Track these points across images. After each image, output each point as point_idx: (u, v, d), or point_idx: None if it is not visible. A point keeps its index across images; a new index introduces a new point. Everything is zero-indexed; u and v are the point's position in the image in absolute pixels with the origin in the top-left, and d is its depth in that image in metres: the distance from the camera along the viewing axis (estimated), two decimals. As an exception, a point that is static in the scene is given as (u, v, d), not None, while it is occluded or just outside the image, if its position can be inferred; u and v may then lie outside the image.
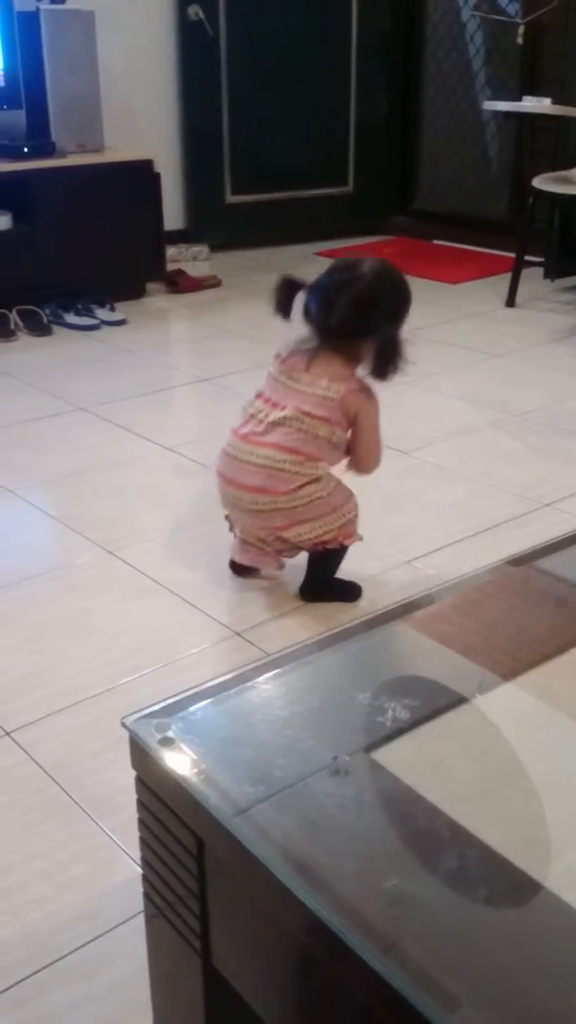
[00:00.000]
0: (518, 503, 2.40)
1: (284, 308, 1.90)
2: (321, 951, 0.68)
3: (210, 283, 4.35)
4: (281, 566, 2.01)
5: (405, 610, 1.07)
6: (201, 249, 4.73)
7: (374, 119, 5.10)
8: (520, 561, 1.17)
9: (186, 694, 0.86)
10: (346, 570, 2.01)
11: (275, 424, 1.85)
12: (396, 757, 0.82)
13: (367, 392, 1.86)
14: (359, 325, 1.81)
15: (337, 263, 1.89)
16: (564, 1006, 0.61)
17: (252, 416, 1.90)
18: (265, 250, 4.90)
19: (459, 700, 0.91)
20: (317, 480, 1.87)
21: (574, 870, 0.71)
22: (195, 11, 4.49)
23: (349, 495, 1.94)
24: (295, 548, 1.96)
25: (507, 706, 0.92)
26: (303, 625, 1.91)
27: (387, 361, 1.81)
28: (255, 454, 1.86)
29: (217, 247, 4.80)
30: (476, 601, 1.09)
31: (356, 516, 1.94)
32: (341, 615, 1.94)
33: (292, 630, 1.89)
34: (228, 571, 2.11)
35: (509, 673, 0.94)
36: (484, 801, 0.78)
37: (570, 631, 1.03)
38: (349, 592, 2.00)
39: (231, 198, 4.86)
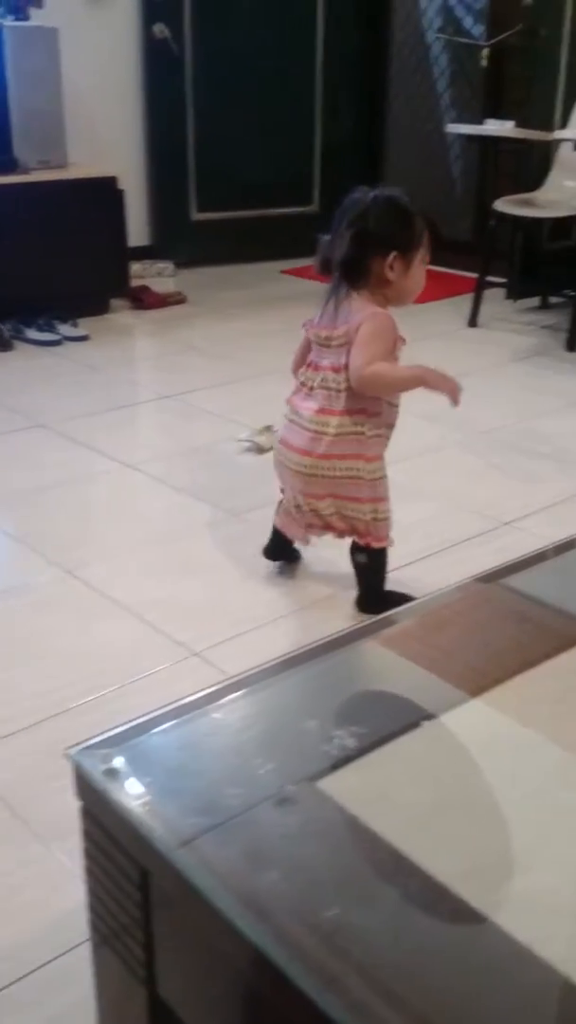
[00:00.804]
0: (479, 521, 2.41)
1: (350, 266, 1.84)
2: (262, 982, 0.68)
3: (175, 300, 4.35)
4: (306, 542, 2.06)
5: (368, 629, 1.07)
6: (166, 266, 4.73)
7: (340, 139, 5.14)
8: (488, 578, 1.17)
9: (133, 723, 0.86)
10: (317, 577, 2.02)
11: (316, 388, 1.90)
12: (343, 786, 0.82)
13: (381, 315, 1.83)
14: (359, 251, 1.80)
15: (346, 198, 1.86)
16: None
17: (303, 384, 1.95)
18: (231, 267, 4.92)
19: (411, 724, 0.91)
20: (363, 457, 1.89)
21: (517, 899, 0.71)
22: (160, 29, 4.51)
23: (386, 497, 1.95)
24: (326, 527, 1.99)
25: (465, 726, 0.92)
26: (266, 644, 1.91)
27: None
28: (302, 416, 1.92)
29: (182, 264, 4.81)
30: (445, 618, 1.09)
31: (389, 520, 1.96)
32: (304, 633, 1.95)
33: (254, 649, 1.89)
34: (191, 589, 2.11)
35: (474, 690, 0.95)
36: (429, 829, 0.78)
37: (534, 648, 1.04)
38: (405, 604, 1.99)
39: (196, 215, 4.87)
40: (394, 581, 2.07)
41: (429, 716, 0.92)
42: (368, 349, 1.82)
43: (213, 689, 0.95)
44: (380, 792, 0.82)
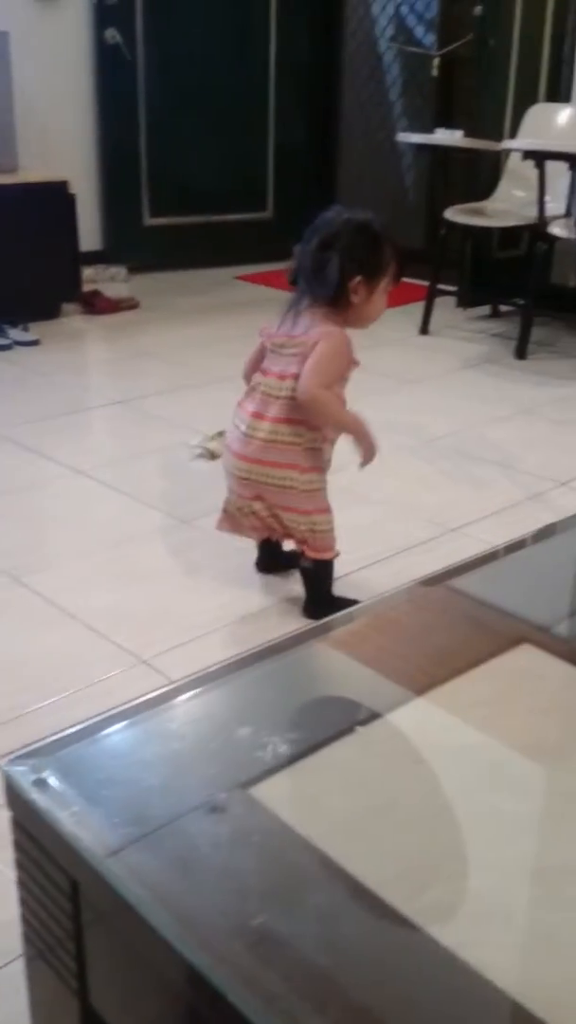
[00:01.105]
0: (426, 527, 2.43)
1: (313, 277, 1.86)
2: (189, 992, 0.68)
3: (127, 305, 4.34)
4: (259, 538, 2.07)
5: (310, 633, 1.08)
6: (119, 271, 4.71)
7: (293, 146, 5.16)
8: (432, 581, 1.18)
9: (65, 733, 0.86)
10: (267, 583, 2.02)
11: (254, 390, 1.93)
12: (275, 792, 0.82)
13: (338, 335, 1.85)
14: (324, 270, 1.81)
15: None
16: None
17: (252, 388, 1.96)
18: (184, 273, 4.91)
19: (347, 729, 0.92)
20: (297, 467, 1.90)
21: (440, 904, 0.72)
22: (112, 34, 4.50)
23: (325, 510, 1.96)
24: (268, 529, 2.00)
25: (401, 729, 0.93)
26: (215, 651, 1.90)
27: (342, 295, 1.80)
28: (242, 420, 1.94)
29: (135, 269, 4.79)
30: (387, 621, 1.10)
31: (329, 534, 1.97)
32: (254, 639, 1.95)
33: (203, 656, 1.89)
34: (139, 596, 2.11)
35: (412, 692, 0.96)
36: (360, 835, 0.79)
37: (474, 650, 1.05)
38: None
39: (149, 220, 4.86)
40: (342, 586, 2.08)
41: (365, 720, 0.92)
42: (322, 370, 1.84)
43: (148, 697, 0.95)
44: (312, 798, 0.82)
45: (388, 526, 2.44)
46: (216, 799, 0.79)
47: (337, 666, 1.05)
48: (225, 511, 2.04)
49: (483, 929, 0.70)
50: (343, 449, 2.01)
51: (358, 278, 1.81)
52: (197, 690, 0.99)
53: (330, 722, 0.92)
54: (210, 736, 0.90)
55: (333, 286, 1.82)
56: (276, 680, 1.02)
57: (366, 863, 0.74)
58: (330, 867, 0.73)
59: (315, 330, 1.85)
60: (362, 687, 1.00)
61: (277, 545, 2.14)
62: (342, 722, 0.91)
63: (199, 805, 0.79)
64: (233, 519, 2.03)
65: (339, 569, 2.08)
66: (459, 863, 0.76)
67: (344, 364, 1.88)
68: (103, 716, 0.90)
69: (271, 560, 2.17)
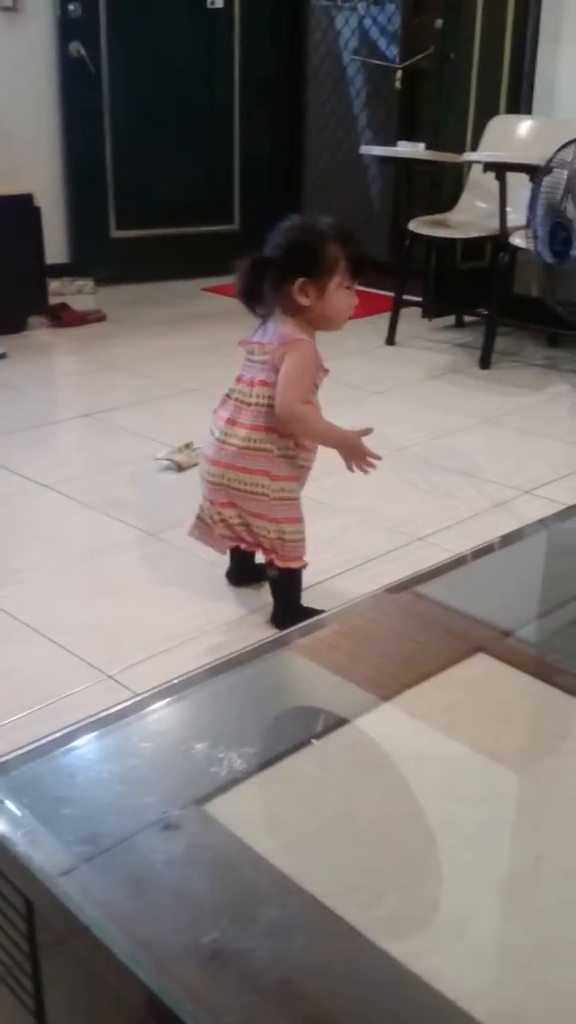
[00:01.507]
0: (393, 537, 2.44)
1: (248, 295, 1.85)
2: (142, 1010, 0.68)
3: (95, 317, 4.33)
4: (223, 551, 2.06)
5: (273, 644, 1.09)
6: (86, 283, 4.71)
7: (258, 158, 5.18)
8: (395, 590, 1.19)
9: (21, 751, 0.86)
10: (234, 595, 2.01)
11: (228, 397, 1.93)
12: (230, 808, 0.82)
13: (302, 344, 1.84)
14: (274, 276, 1.81)
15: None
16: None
17: (227, 395, 1.96)
18: (151, 285, 4.91)
19: (303, 743, 0.92)
20: (268, 475, 1.90)
21: (393, 915, 0.73)
22: (76, 48, 4.50)
23: (295, 520, 1.95)
24: (236, 538, 2.00)
25: (358, 739, 0.94)
26: (182, 665, 1.90)
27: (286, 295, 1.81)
28: (216, 427, 1.94)
29: (102, 281, 4.79)
30: (351, 630, 1.11)
31: (299, 544, 1.97)
32: (221, 652, 1.95)
33: (169, 670, 1.87)
34: (105, 610, 2.10)
35: (373, 701, 0.97)
36: (314, 849, 0.80)
37: (436, 657, 1.06)
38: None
39: (116, 232, 4.86)
40: (310, 596, 2.09)
41: (322, 732, 0.93)
42: (295, 383, 1.85)
43: (106, 713, 0.95)
44: (267, 813, 0.83)
45: (355, 536, 2.45)
46: (170, 816, 0.79)
47: (296, 677, 1.05)
48: (198, 518, 2.05)
49: (435, 940, 0.71)
50: (319, 459, 2.01)
51: (301, 279, 1.81)
52: (156, 705, 0.99)
53: (287, 735, 0.93)
54: (167, 752, 0.91)
55: (276, 290, 1.82)
56: (235, 693, 1.03)
57: (320, 877, 0.75)
58: (283, 882, 0.74)
59: (280, 339, 1.85)
60: (320, 698, 1.01)
61: (249, 557, 2.14)
62: (299, 734, 0.92)
63: (154, 822, 0.79)
64: (204, 527, 2.04)
65: (307, 579, 2.09)
66: (412, 874, 0.77)
67: (314, 373, 1.88)
68: (60, 733, 0.90)
69: (242, 572, 2.17)
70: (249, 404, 1.90)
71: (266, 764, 0.87)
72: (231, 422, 1.92)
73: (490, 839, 0.81)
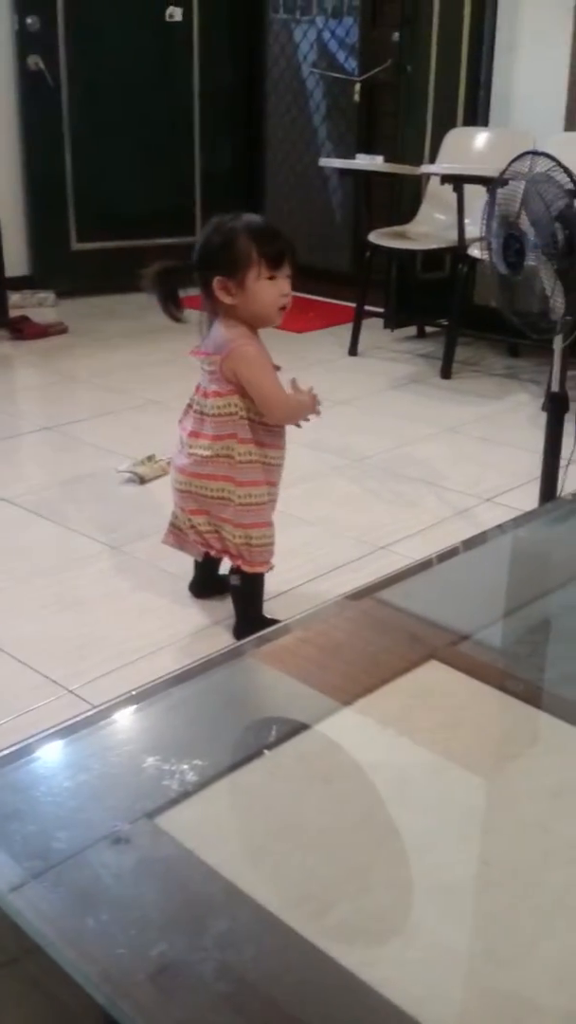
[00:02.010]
0: (355, 547, 2.46)
1: (168, 304, 1.89)
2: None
3: (56, 330, 4.32)
4: (200, 555, 2.06)
5: (228, 655, 1.09)
6: (47, 296, 4.69)
7: (219, 171, 5.20)
8: (359, 595, 1.20)
9: (-31, 767, 0.85)
10: (196, 608, 2.01)
11: (190, 407, 1.96)
12: (181, 821, 0.82)
13: (239, 350, 1.85)
14: (200, 277, 1.84)
15: None
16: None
17: (188, 404, 1.98)
18: (113, 297, 4.90)
19: (255, 754, 0.92)
20: (232, 481, 1.91)
21: (342, 924, 0.73)
22: (35, 61, 4.50)
23: (262, 524, 1.96)
24: (205, 544, 2.01)
25: (312, 748, 0.94)
26: (143, 678, 1.88)
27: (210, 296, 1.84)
28: (182, 439, 1.97)
29: (63, 294, 4.77)
30: (305, 639, 1.11)
31: (266, 548, 1.97)
32: (187, 661, 1.94)
33: (131, 684, 1.87)
34: (66, 624, 2.09)
35: (329, 709, 0.97)
36: (265, 860, 0.80)
37: (390, 665, 1.06)
38: None
39: (76, 245, 4.85)
40: (272, 607, 2.09)
41: (273, 743, 0.93)
42: (268, 390, 1.87)
43: (58, 727, 0.94)
44: (218, 825, 0.83)
45: (318, 546, 2.45)
46: (120, 830, 0.79)
47: (251, 686, 1.05)
48: (172, 525, 2.06)
49: (384, 948, 0.71)
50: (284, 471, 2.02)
51: (218, 278, 1.82)
52: (109, 718, 0.99)
53: (240, 745, 0.93)
54: (120, 765, 0.90)
55: (206, 295, 1.85)
56: (190, 704, 1.02)
57: (269, 887, 0.75)
58: (233, 893, 0.74)
59: (218, 345, 1.87)
60: (274, 707, 1.01)
61: (213, 568, 2.14)
62: (252, 745, 0.92)
63: (104, 837, 0.78)
64: (179, 533, 2.05)
65: (271, 589, 2.09)
66: (361, 882, 0.77)
67: (267, 362, 1.89)
68: (11, 749, 0.89)
69: (205, 583, 2.17)
70: (208, 415, 1.91)
71: (218, 775, 0.87)
72: (194, 434, 1.94)
73: (439, 845, 0.81)
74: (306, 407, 1.96)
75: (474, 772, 0.89)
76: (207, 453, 1.91)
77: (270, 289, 1.84)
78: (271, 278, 1.83)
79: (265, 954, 0.69)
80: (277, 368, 1.94)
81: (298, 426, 2.01)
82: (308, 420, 2.00)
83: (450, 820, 0.84)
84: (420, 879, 0.78)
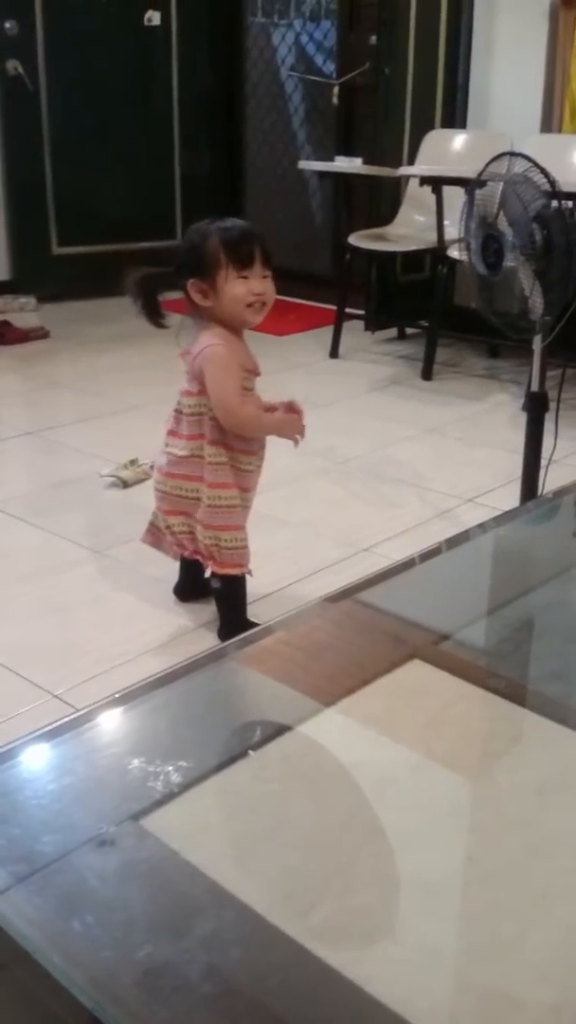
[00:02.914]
0: (338, 549, 2.46)
1: (149, 310, 1.90)
2: (78, 1028, 0.68)
3: (37, 334, 4.31)
4: (176, 556, 2.08)
5: (211, 657, 1.09)
6: (28, 300, 4.68)
7: (199, 174, 5.20)
8: (339, 597, 1.20)
9: (-47, 773, 0.85)
10: (181, 612, 2.00)
11: (174, 410, 1.97)
12: (166, 822, 0.82)
13: (209, 350, 1.87)
14: (179, 281, 1.85)
15: None
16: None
17: (173, 410, 1.99)
18: (95, 301, 4.88)
19: (239, 755, 0.92)
20: (203, 481, 1.93)
21: (327, 923, 0.73)
22: (14, 66, 4.49)
23: (233, 527, 1.96)
24: (179, 545, 2.03)
25: (295, 748, 0.94)
26: (129, 682, 1.88)
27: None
28: (165, 439, 1.99)
29: (45, 298, 4.76)
30: (288, 640, 1.11)
31: (239, 550, 1.98)
32: (173, 664, 1.94)
33: (116, 687, 1.86)
34: (51, 629, 2.09)
35: (313, 710, 0.97)
36: (249, 860, 0.80)
37: (372, 665, 1.07)
38: None
39: (57, 249, 4.85)
40: (256, 609, 2.09)
41: (258, 744, 0.94)
42: (226, 393, 1.87)
43: (42, 731, 0.94)
44: (203, 826, 0.83)
45: (301, 548, 2.46)
46: (106, 832, 0.79)
47: (233, 688, 1.06)
48: (151, 524, 2.07)
49: (369, 946, 0.72)
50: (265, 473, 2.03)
51: (191, 280, 1.84)
52: (93, 721, 0.99)
53: (224, 746, 0.93)
54: (105, 768, 0.90)
55: (186, 299, 1.86)
56: (174, 706, 1.03)
57: (254, 887, 0.75)
58: (218, 894, 0.74)
59: (196, 344, 1.89)
60: (257, 708, 1.01)
61: (198, 572, 2.14)
62: (236, 746, 0.92)
63: (89, 839, 0.79)
64: (156, 532, 2.06)
65: (254, 592, 2.09)
66: (346, 881, 0.78)
67: (235, 371, 1.89)
68: (-6, 754, 0.89)
69: (190, 587, 2.17)
70: (183, 414, 1.94)
71: (203, 777, 0.87)
72: (172, 433, 1.97)
73: (423, 843, 0.82)
74: (281, 427, 1.97)
75: (457, 770, 0.90)
76: (183, 453, 1.94)
77: (239, 288, 1.83)
78: (243, 278, 1.83)
79: (251, 954, 0.69)
80: (258, 374, 1.95)
81: (294, 441, 2.02)
82: (294, 441, 2.01)
83: (434, 818, 0.85)
84: (404, 877, 0.78)
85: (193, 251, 1.84)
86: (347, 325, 4.19)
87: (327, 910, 0.74)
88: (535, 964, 0.70)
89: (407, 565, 1.25)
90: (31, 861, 0.76)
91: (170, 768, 0.87)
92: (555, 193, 2.05)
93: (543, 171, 2.05)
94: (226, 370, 1.87)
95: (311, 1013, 0.66)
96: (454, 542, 1.35)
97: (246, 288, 1.84)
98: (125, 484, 2.81)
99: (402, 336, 4.44)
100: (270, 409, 2.00)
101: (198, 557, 2.03)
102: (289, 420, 1.99)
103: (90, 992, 0.66)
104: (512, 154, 2.10)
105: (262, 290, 1.86)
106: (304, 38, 4.98)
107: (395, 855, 0.81)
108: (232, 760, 0.90)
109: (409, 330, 4.42)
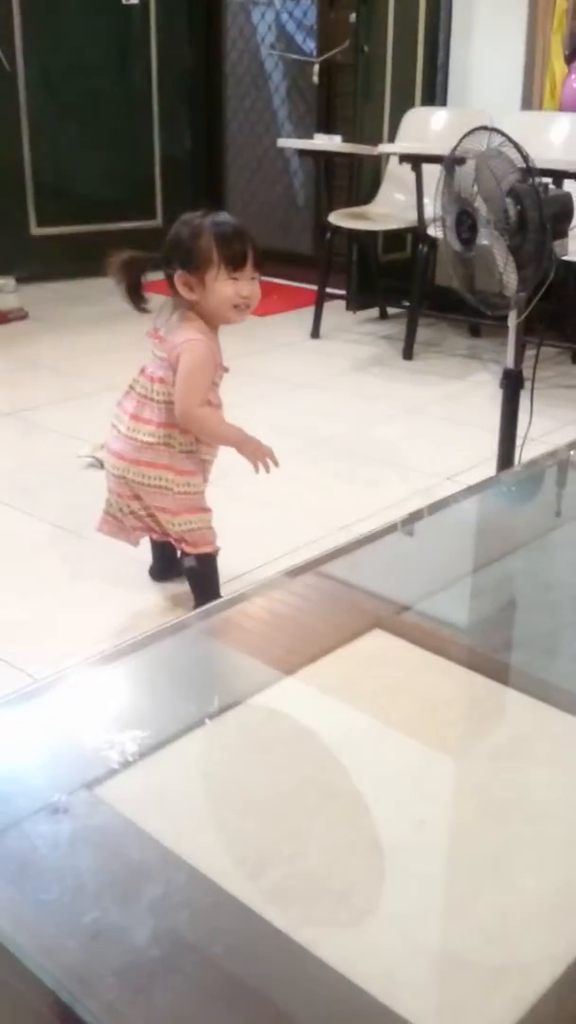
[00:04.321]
0: (316, 528, 2.45)
1: (132, 293, 1.88)
2: (30, 995, 0.68)
3: (16, 316, 4.28)
4: (135, 543, 2.07)
5: (175, 627, 1.09)
6: (7, 282, 4.63)
7: (179, 154, 5.16)
8: (302, 569, 1.20)
9: None
10: (158, 592, 2.00)
11: (132, 389, 1.95)
12: (120, 790, 0.82)
13: (192, 343, 1.85)
14: (165, 270, 1.83)
15: None
16: None
17: (130, 387, 1.97)
18: (75, 282, 4.86)
19: (196, 723, 0.92)
20: (172, 469, 1.91)
21: (277, 887, 0.73)
22: (-10, 44, 4.44)
23: (199, 510, 1.97)
24: (147, 528, 2.02)
25: (254, 716, 0.94)
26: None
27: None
28: (121, 420, 1.95)
29: (24, 279, 4.72)
30: (254, 609, 1.12)
31: (207, 530, 1.98)
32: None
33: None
34: (28, 609, 2.09)
35: (273, 678, 0.97)
36: (201, 826, 0.80)
37: (334, 634, 1.07)
38: None
39: (36, 230, 4.81)
40: (231, 588, 2.09)
41: (215, 712, 0.93)
42: (192, 388, 1.86)
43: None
44: (157, 793, 0.83)
45: (279, 527, 2.45)
46: (59, 801, 0.79)
47: (195, 658, 1.06)
48: (106, 512, 2.04)
49: (317, 908, 0.72)
50: (230, 454, 2.02)
51: (179, 272, 1.82)
52: (51, 691, 0.99)
53: (182, 715, 0.93)
54: (61, 737, 0.90)
55: (170, 285, 1.84)
56: (133, 676, 1.03)
57: (205, 853, 0.76)
58: (169, 859, 0.74)
59: (178, 335, 1.86)
60: (217, 678, 1.02)
61: (171, 550, 2.14)
62: (194, 715, 0.92)
63: (42, 807, 0.79)
64: (114, 521, 2.04)
65: (231, 571, 2.09)
66: (297, 845, 0.78)
67: (211, 371, 1.89)
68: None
69: (165, 567, 2.17)
70: (152, 400, 1.91)
71: (159, 745, 0.87)
72: (135, 417, 1.93)
73: (376, 808, 0.82)
74: (247, 445, 1.96)
75: (413, 736, 0.90)
76: (150, 440, 1.91)
77: (228, 289, 1.84)
78: (233, 279, 1.83)
79: (199, 917, 0.70)
80: (226, 369, 1.95)
81: (256, 469, 1.99)
82: (255, 466, 1.98)
83: (388, 784, 0.85)
84: (356, 841, 0.78)
85: (184, 243, 1.82)
86: (328, 305, 4.17)
87: (278, 874, 0.74)
88: (481, 927, 0.71)
89: (371, 538, 1.25)
90: (-18, 829, 0.76)
91: (126, 737, 0.87)
92: (529, 169, 2.04)
93: (516, 146, 2.04)
94: (203, 368, 1.87)
95: (258, 973, 0.66)
96: (418, 515, 1.35)
97: (234, 289, 1.84)
98: (102, 465, 2.79)
99: (383, 316, 4.43)
100: None
101: (167, 539, 2.02)
102: (259, 444, 1.96)
103: (34, 956, 0.66)
104: (486, 129, 2.09)
105: (249, 292, 1.86)
106: (284, 16, 4.95)
107: (348, 820, 0.81)
108: (189, 729, 0.90)
109: (391, 310, 4.41)
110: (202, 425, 1.91)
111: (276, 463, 2.00)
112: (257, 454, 1.97)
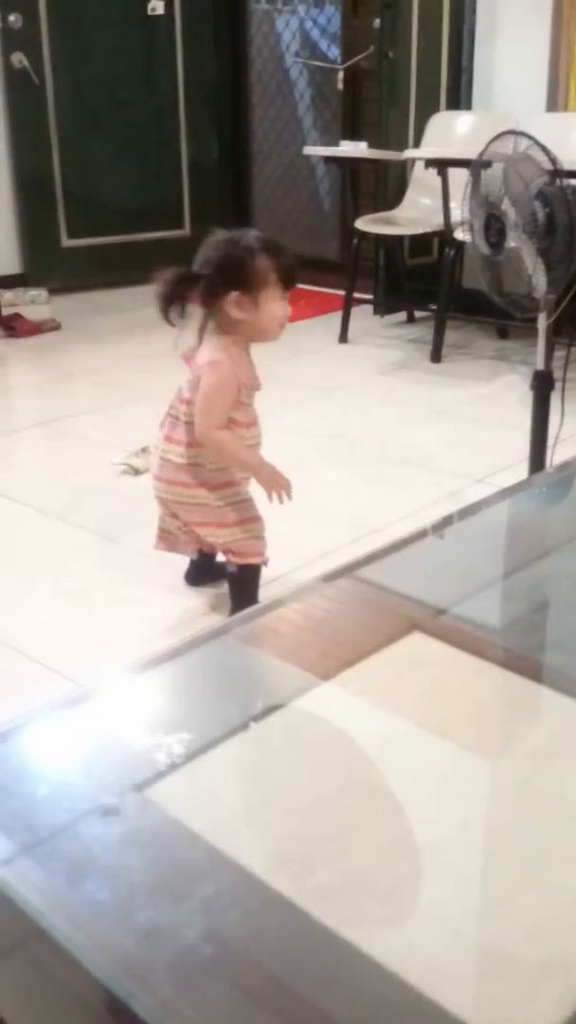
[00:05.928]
0: (348, 531, 2.47)
1: (172, 308, 1.85)
2: (82, 991, 0.70)
3: (49, 327, 4.34)
4: (194, 553, 2.12)
5: (215, 632, 1.11)
6: (39, 293, 4.70)
7: (206, 163, 5.20)
8: (338, 574, 1.22)
9: (-40, 748, 0.87)
10: (194, 596, 2.03)
11: (170, 415, 1.99)
12: (169, 792, 0.84)
13: (214, 364, 1.88)
14: (207, 292, 1.84)
15: None
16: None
17: (167, 412, 2.01)
18: (105, 293, 4.92)
19: (240, 726, 0.94)
20: (205, 486, 1.94)
21: (324, 886, 0.75)
22: (19, 59, 4.51)
23: (246, 520, 1.99)
24: (197, 541, 2.06)
25: (298, 719, 0.96)
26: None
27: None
28: (159, 445, 2.00)
29: (56, 291, 4.78)
30: (292, 614, 1.13)
31: (256, 539, 2.01)
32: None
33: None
34: (65, 616, 2.12)
35: (313, 681, 0.99)
36: (251, 826, 0.82)
37: (373, 638, 1.08)
38: None
39: (67, 242, 4.87)
40: (267, 593, 2.11)
41: (259, 715, 0.95)
42: (211, 409, 1.89)
43: (47, 705, 0.97)
44: (205, 795, 0.85)
45: (311, 532, 2.47)
46: (109, 803, 0.81)
47: (235, 663, 1.08)
48: (161, 529, 2.08)
49: (365, 907, 0.74)
50: (266, 457, 2.03)
51: (234, 293, 1.84)
52: (96, 695, 1.01)
53: (226, 719, 0.95)
54: (108, 740, 0.93)
55: (208, 306, 1.86)
56: (176, 681, 1.05)
57: (253, 852, 0.77)
58: (217, 859, 0.76)
59: (203, 355, 1.89)
60: (258, 682, 1.03)
61: (209, 557, 2.16)
62: (237, 719, 0.94)
63: (93, 809, 0.81)
64: (169, 537, 2.08)
65: (264, 575, 2.11)
66: (344, 845, 0.79)
67: (232, 393, 1.91)
68: (1, 727, 0.92)
69: (201, 572, 2.20)
70: (180, 420, 1.95)
71: (205, 748, 0.89)
72: (168, 439, 1.97)
73: (418, 809, 0.83)
74: (262, 472, 1.97)
75: (453, 738, 0.91)
76: (180, 461, 1.95)
77: (280, 308, 1.89)
78: (283, 299, 1.89)
79: (249, 916, 0.71)
80: (258, 389, 1.97)
81: (269, 499, 2.00)
82: (269, 496, 1.99)
83: (430, 784, 0.86)
84: (399, 841, 0.80)
85: (239, 264, 1.84)
86: (356, 310, 4.19)
87: (324, 873, 0.76)
88: (526, 923, 0.72)
89: (406, 542, 1.26)
90: (37, 831, 0.79)
91: (172, 740, 0.89)
92: (556, 171, 2.05)
93: (544, 149, 2.05)
94: (222, 390, 1.89)
95: (307, 972, 0.68)
96: (453, 518, 1.36)
97: (284, 310, 1.90)
98: (136, 472, 2.83)
99: (411, 320, 4.44)
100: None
101: (230, 560, 2.05)
102: (276, 473, 1.98)
103: (91, 955, 0.68)
104: (512, 133, 2.10)
105: (290, 312, 1.93)
106: (308, 23, 4.97)
107: (391, 820, 0.82)
108: (233, 732, 0.92)
109: (418, 313, 4.42)
110: (220, 447, 1.93)
111: (291, 496, 2.00)
112: (272, 483, 1.98)
